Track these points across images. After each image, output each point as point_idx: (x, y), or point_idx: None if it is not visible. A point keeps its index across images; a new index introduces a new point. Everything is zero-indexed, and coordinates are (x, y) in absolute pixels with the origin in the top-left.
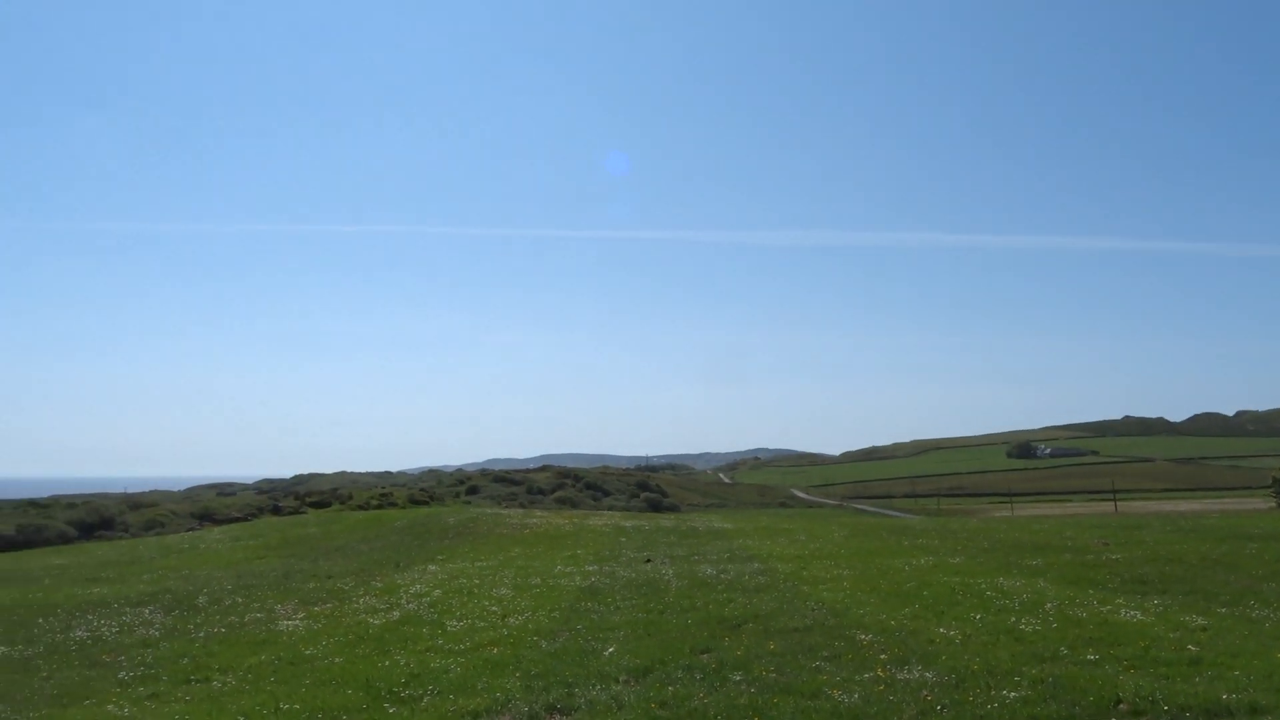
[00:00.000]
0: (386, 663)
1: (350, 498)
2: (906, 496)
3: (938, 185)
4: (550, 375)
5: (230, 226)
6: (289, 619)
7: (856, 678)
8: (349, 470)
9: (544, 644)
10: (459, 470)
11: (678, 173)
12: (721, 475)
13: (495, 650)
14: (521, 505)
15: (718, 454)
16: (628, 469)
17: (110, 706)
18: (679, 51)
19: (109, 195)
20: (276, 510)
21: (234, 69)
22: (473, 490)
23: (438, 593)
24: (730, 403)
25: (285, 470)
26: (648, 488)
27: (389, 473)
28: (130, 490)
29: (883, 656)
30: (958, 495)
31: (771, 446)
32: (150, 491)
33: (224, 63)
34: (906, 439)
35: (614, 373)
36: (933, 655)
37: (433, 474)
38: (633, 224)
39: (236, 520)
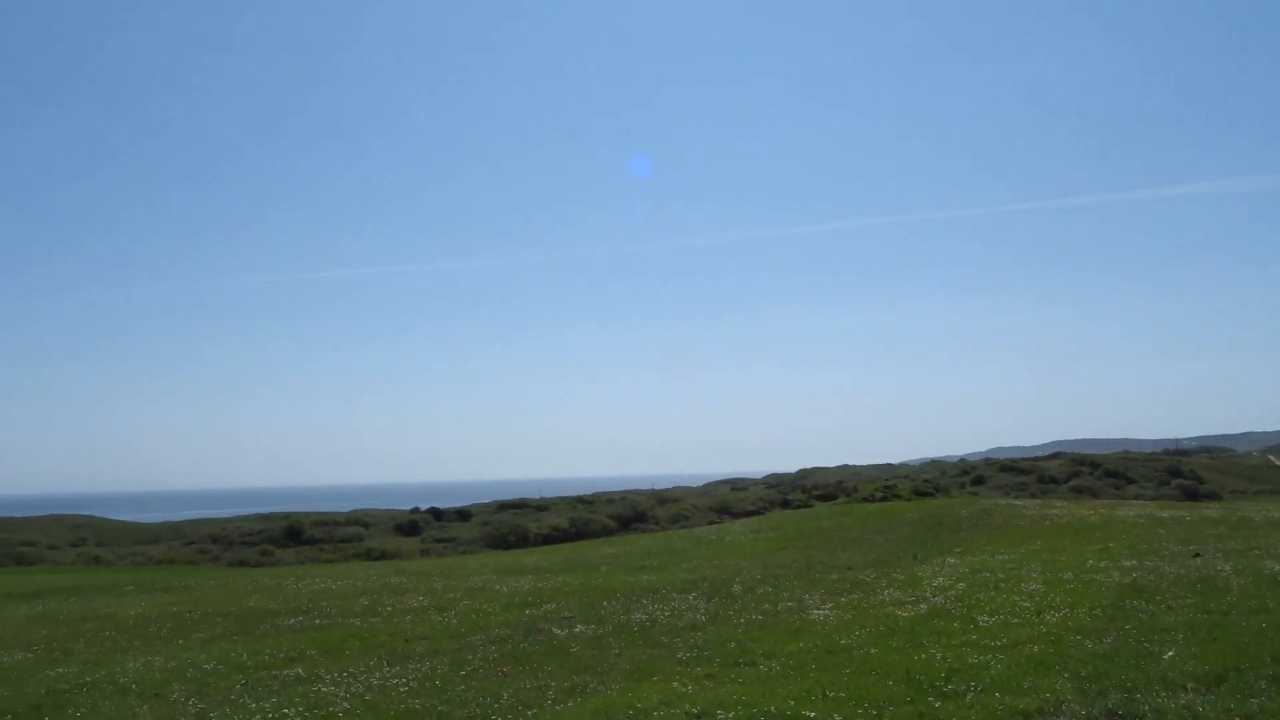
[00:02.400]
0: (922, 656)
1: (855, 490)
2: None
3: None
4: (1057, 355)
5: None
6: (818, 609)
7: None
8: (850, 463)
9: (1089, 644)
10: (962, 460)
11: None
12: (1271, 457)
13: (1035, 648)
14: (1033, 495)
15: (1263, 433)
16: (1152, 453)
17: (675, 684)
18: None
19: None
20: (786, 504)
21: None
22: (978, 480)
23: (962, 586)
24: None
25: (789, 465)
26: (1179, 473)
27: (890, 465)
28: (657, 487)
29: None
30: None
31: None
32: (673, 487)
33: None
34: None
35: (1125, 348)
36: None
37: (935, 465)
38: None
39: (751, 514)
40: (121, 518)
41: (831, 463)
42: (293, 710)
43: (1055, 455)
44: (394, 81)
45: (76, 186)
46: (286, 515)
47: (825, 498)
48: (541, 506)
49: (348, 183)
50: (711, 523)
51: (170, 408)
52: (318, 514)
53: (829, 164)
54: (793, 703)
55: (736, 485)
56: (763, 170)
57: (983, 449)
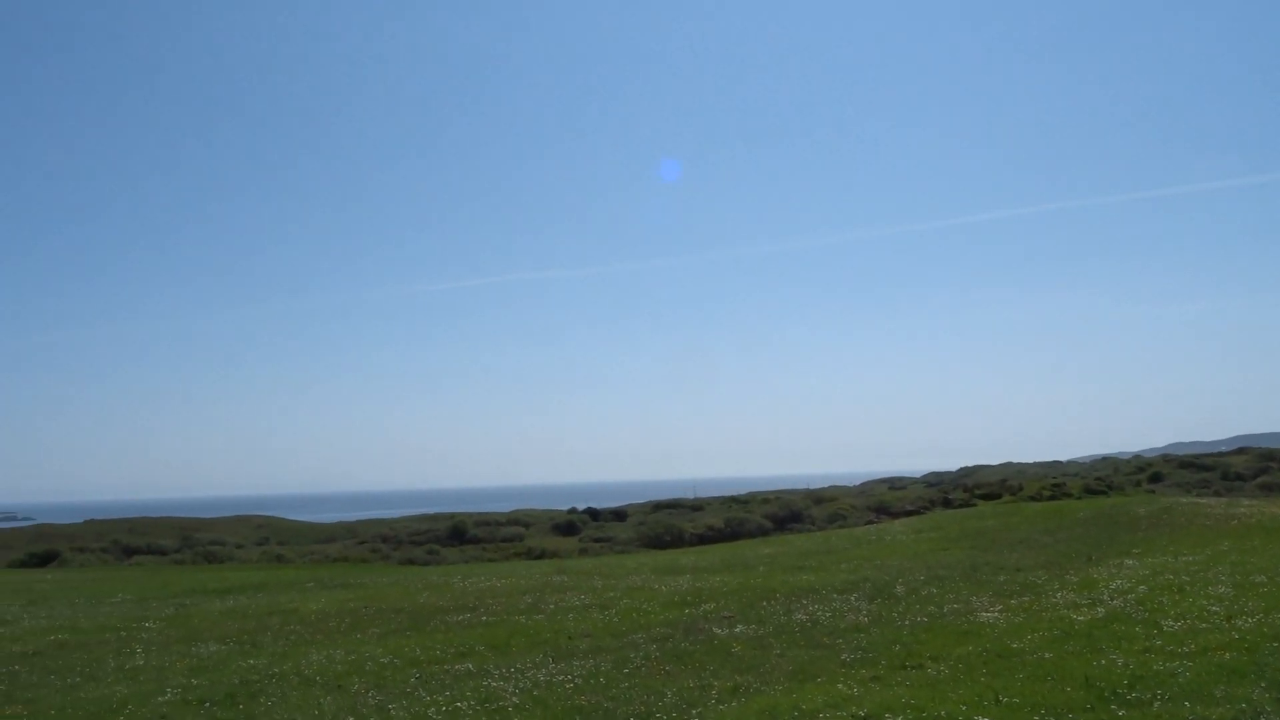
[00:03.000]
0: (1102, 661)
1: (1020, 489)
2: None
3: None
4: (1237, 346)
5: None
6: (986, 611)
7: None
8: (1014, 460)
9: None
10: (1136, 456)
11: None
12: None
13: (1227, 655)
14: (1217, 493)
15: None
16: None
17: (839, 685)
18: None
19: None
20: (947, 503)
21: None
22: (1156, 478)
23: (1142, 589)
24: None
25: (949, 463)
26: None
27: (1058, 461)
28: (811, 486)
29: None
30: None
31: None
32: (829, 487)
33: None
34: None
35: None
36: None
37: (1107, 461)
38: None
39: (911, 513)
40: (299, 518)
41: (995, 460)
42: (465, 704)
43: (1240, 450)
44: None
45: (239, 201)
46: (450, 516)
47: (989, 497)
48: (696, 506)
49: (504, 192)
50: (869, 522)
51: (340, 413)
52: (479, 514)
53: (981, 154)
54: (964, 708)
55: (894, 484)
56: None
57: (1159, 445)
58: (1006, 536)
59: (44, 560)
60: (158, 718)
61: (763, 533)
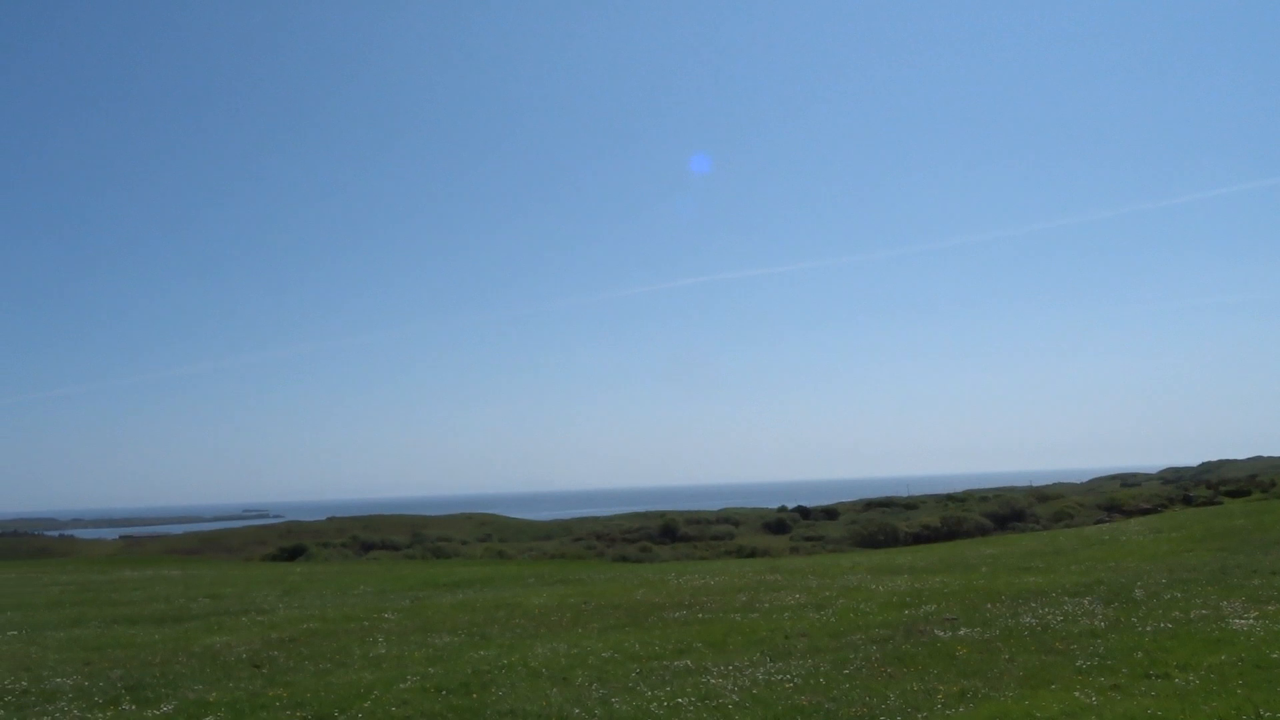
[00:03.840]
0: None
1: (1273, 485)
2: None
3: None
4: None
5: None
6: (1240, 618)
7: None
8: (1265, 454)
9: None
10: None
11: None
12: None
13: None
14: None
15: None
16: None
17: (1076, 693)
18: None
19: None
20: (1187, 500)
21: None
22: None
23: None
24: None
25: (1188, 458)
26: None
27: None
28: (1034, 484)
29: None
30: None
31: None
32: (1053, 484)
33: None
34: None
35: None
36: None
37: None
38: None
39: (1147, 511)
40: (519, 516)
41: (1241, 454)
42: (686, 700)
43: None
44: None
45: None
46: (661, 514)
47: (1237, 494)
48: (910, 505)
49: (707, 190)
50: (1100, 521)
51: (547, 414)
52: (689, 512)
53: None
54: None
55: (1127, 481)
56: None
57: None
58: (1259, 537)
59: (293, 554)
60: (400, 703)
61: (982, 532)
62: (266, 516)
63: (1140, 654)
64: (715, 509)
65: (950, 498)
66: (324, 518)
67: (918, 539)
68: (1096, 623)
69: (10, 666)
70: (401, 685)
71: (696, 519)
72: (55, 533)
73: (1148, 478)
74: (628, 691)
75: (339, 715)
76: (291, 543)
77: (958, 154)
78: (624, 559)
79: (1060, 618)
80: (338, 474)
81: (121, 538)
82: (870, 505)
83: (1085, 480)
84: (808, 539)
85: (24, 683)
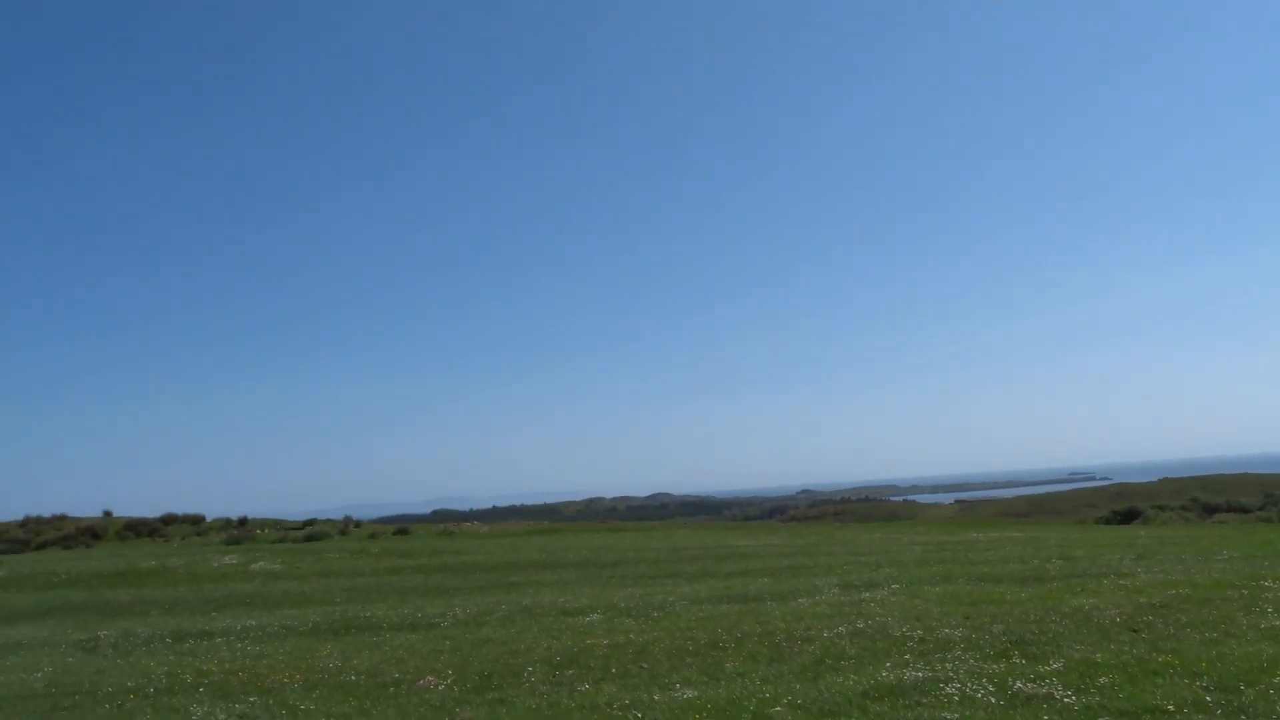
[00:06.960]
0: None
1: None
2: None
3: None
4: None
5: None
6: None
7: None
8: None
9: None
10: None
11: None
12: None
13: None
14: None
15: None
16: None
17: None
18: None
19: None
20: None
21: None
22: None
23: None
24: None
25: None
26: None
27: None
28: None
29: None
30: None
31: None
32: None
33: None
34: None
35: None
36: None
37: None
38: None
39: None
40: None
41: None
42: None
43: None
44: None
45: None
46: None
47: None
48: None
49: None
50: None
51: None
52: None
53: None
54: None
55: None
56: None
57: None
58: None
59: (1126, 517)
60: None
61: None
62: (1093, 479)
63: None
64: None
65: None
66: (1156, 479)
67: None
68: None
69: (904, 616)
70: None
71: None
72: (899, 498)
73: None
74: None
75: (1244, 689)
76: (1123, 505)
77: None
78: None
79: None
80: (1173, 432)
81: (956, 501)
82: None
83: None
84: None
85: (919, 632)
